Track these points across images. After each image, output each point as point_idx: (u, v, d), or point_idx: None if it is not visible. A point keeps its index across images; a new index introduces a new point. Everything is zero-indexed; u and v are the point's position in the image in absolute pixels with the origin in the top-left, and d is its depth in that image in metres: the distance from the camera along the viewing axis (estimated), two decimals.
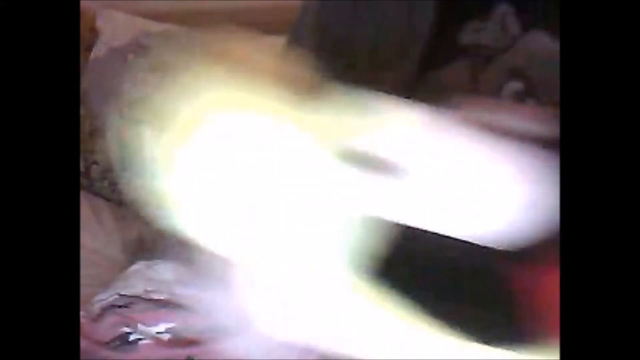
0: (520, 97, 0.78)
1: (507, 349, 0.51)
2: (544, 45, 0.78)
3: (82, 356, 0.74)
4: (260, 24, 1.46)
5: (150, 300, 0.87)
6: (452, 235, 0.52)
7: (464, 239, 0.52)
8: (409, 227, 0.52)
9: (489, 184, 0.52)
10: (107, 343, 0.84)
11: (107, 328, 0.85)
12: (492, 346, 0.51)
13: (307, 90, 0.58)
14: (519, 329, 0.51)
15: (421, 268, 0.53)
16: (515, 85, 0.78)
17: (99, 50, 1.37)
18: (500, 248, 0.52)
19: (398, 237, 0.53)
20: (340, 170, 0.53)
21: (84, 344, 0.83)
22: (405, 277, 0.52)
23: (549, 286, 0.52)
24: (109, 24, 1.40)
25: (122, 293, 0.89)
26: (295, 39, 0.94)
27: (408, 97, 0.79)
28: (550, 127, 0.55)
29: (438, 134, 0.54)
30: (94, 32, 1.37)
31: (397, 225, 0.52)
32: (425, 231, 0.52)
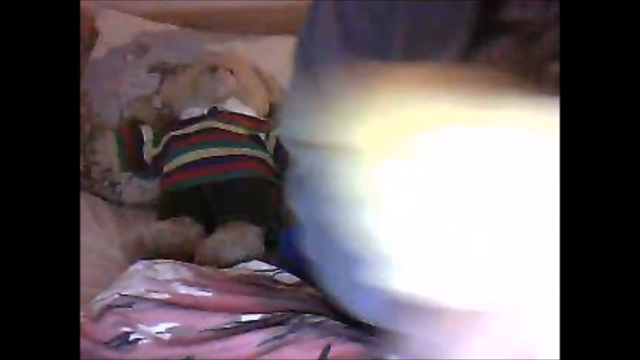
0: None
1: None
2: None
3: (82, 356, 0.74)
4: (260, 24, 1.46)
5: (151, 300, 0.87)
6: None
7: None
8: None
9: None
10: (107, 343, 0.84)
11: (107, 328, 0.85)
12: None
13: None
14: None
15: None
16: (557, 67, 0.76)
17: (99, 50, 1.37)
18: None
19: None
20: None
21: (84, 343, 0.83)
22: None
23: None
24: (109, 24, 1.40)
25: (123, 293, 0.89)
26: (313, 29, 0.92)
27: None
28: None
29: None
30: (94, 32, 1.37)
31: None
32: None
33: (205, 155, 1.21)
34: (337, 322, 0.85)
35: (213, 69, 1.29)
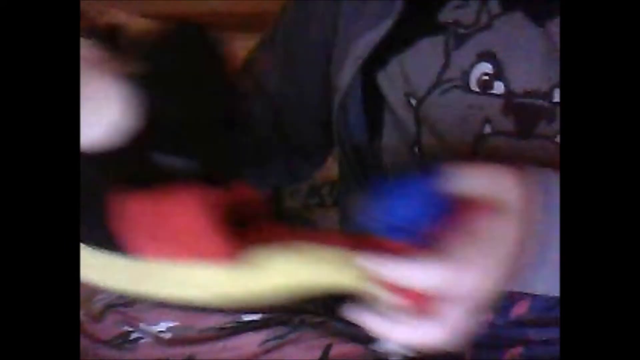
0: (487, 80, 0.78)
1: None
2: (521, 28, 0.77)
3: (82, 355, 0.74)
4: (260, 23, 1.46)
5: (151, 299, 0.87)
6: None
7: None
8: None
9: None
10: (108, 342, 0.84)
11: (108, 327, 0.85)
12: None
13: None
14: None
15: None
16: (485, 67, 0.78)
17: None
18: None
19: None
20: None
21: (84, 342, 0.83)
22: None
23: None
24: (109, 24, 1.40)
25: None
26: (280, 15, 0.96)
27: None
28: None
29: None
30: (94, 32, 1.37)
31: None
32: None
33: None
34: (338, 322, 0.85)
35: None
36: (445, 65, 0.79)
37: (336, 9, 0.88)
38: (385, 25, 0.81)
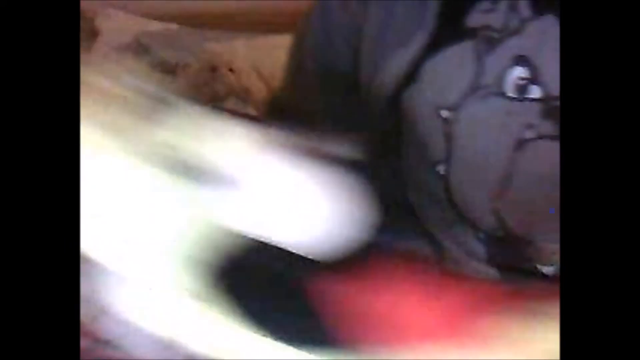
0: (524, 85, 0.76)
1: (320, 353, 0.56)
2: (555, 31, 0.75)
3: (82, 355, 0.74)
4: (260, 23, 1.46)
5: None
6: (273, 243, 0.56)
7: (283, 247, 0.56)
8: (240, 236, 0.57)
9: (307, 200, 0.57)
10: (108, 342, 0.83)
11: (108, 327, 0.84)
12: (306, 350, 0.56)
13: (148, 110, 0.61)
14: (327, 335, 0.56)
15: (248, 276, 0.58)
16: (520, 72, 0.76)
17: (99, 50, 1.37)
18: (312, 258, 0.56)
19: (230, 245, 0.57)
20: (173, 182, 0.58)
21: (84, 342, 0.83)
22: (234, 284, 0.57)
23: (352, 296, 0.56)
24: (109, 24, 1.40)
25: None
26: (299, 39, 0.92)
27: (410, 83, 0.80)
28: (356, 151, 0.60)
29: (268, 152, 0.59)
30: (94, 32, 1.37)
31: (229, 233, 0.57)
32: (253, 240, 0.57)
33: None
34: None
35: (213, 68, 1.29)
36: (479, 72, 0.77)
37: (358, 31, 0.85)
38: (417, 41, 0.79)
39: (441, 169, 0.83)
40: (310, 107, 0.90)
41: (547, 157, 0.75)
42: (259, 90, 1.32)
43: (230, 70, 1.26)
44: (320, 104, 0.90)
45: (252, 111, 1.29)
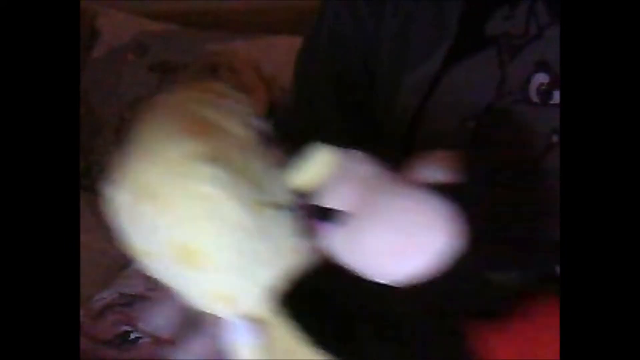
0: (546, 91, 0.75)
1: None
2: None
3: (82, 355, 0.74)
4: (260, 23, 1.45)
5: (151, 298, 0.87)
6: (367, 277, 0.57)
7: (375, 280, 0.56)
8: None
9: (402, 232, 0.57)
10: (108, 341, 0.84)
11: (108, 326, 0.85)
12: None
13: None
14: None
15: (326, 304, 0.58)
16: (542, 78, 0.75)
17: (99, 50, 1.37)
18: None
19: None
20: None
21: (84, 342, 0.83)
22: (309, 310, 0.58)
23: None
24: (109, 24, 1.40)
25: (123, 292, 0.89)
26: (312, 45, 0.91)
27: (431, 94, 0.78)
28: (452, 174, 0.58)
29: (376, 186, 0.59)
30: (94, 32, 1.37)
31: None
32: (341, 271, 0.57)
33: None
34: None
35: (213, 69, 1.28)
36: (503, 79, 0.76)
37: (369, 42, 0.83)
38: (441, 51, 0.78)
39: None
40: (318, 117, 0.89)
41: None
42: (260, 90, 1.32)
43: (231, 70, 1.26)
44: (330, 113, 0.89)
45: (251, 111, 1.28)
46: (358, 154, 0.61)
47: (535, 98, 0.76)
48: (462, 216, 0.56)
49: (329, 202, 0.58)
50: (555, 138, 0.75)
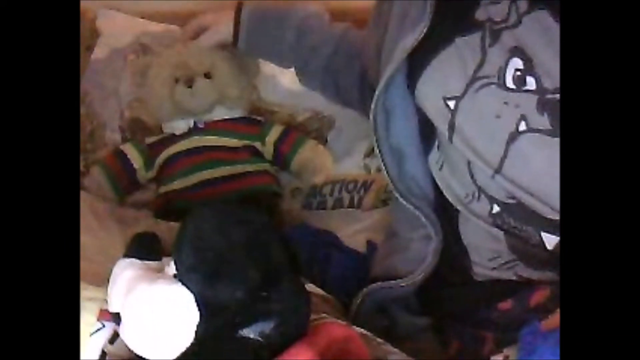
0: (520, 77, 0.78)
1: None
2: (546, 25, 0.78)
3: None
4: None
5: None
6: None
7: None
8: None
9: None
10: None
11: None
12: None
13: None
14: None
15: None
16: (517, 63, 0.79)
17: (99, 51, 1.37)
18: None
19: None
20: None
21: None
22: None
23: None
24: (109, 24, 1.40)
25: None
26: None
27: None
28: None
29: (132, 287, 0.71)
30: (94, 32, 1.37)
31: None
32: None
33: (208, 177, 1.18)
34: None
35: (188, 83, 1.22)
36: (482, 62, 0.80)
37: (389, 9, 0.91)
38: (419, 29, 0.83)
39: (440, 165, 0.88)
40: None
41: (537, 150, 0.76)
42: (243, 89, 1.31)
43: (207, 75, 1.25)
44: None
45: (242, 112, 1.28)
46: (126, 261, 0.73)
47: (510, 83, 0.79)
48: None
49: (110, 307, 0.72)
50: (523, 126, 0.77)
